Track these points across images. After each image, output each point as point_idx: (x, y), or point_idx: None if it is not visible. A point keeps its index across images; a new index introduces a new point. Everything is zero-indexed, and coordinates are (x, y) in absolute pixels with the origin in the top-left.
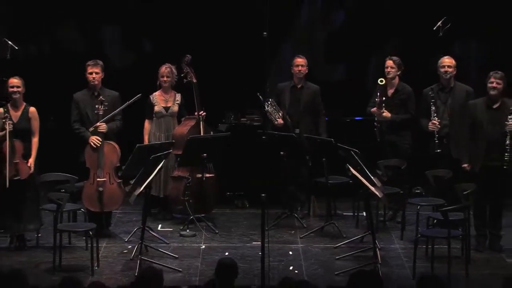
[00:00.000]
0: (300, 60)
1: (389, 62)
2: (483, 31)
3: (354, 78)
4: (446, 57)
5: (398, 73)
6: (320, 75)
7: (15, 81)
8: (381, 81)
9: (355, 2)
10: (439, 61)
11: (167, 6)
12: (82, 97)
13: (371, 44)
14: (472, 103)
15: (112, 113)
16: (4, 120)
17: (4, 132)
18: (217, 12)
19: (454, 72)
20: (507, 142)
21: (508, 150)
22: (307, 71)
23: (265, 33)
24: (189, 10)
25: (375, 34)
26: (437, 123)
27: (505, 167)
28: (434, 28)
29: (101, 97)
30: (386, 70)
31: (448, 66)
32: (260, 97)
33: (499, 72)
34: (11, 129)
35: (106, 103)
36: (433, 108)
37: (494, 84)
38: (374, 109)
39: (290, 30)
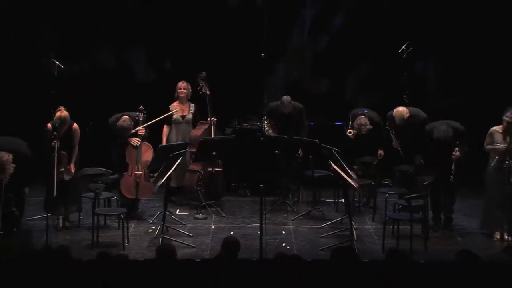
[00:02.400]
0: (286, 105)
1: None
2: (443, 51)
3: (336, 90)
4: (400, 110)
5: (371, 128)
6: (309, 87)
7: (63, 114)
8: (349, 133)
9: (338, 28)
10: (394, 113)
11: (184, 32)
12: None
13: (349, 62)
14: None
15: (150, 122)
16: (53, 138)
17: (53, 144)
18: (225, 37)
19: (408, 117)
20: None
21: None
22: (292, 103)
23: (263, 54)
24: (203, 37)
25: (353, 54)
26: (398, 143)
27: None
28: (399, 51)
29: (141, 106)
30: (360, 127)
31: (401, 119)
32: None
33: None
34: (58, 145)
35: (145, 112)
36: (392, 134)
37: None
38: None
39: (283, 50)
